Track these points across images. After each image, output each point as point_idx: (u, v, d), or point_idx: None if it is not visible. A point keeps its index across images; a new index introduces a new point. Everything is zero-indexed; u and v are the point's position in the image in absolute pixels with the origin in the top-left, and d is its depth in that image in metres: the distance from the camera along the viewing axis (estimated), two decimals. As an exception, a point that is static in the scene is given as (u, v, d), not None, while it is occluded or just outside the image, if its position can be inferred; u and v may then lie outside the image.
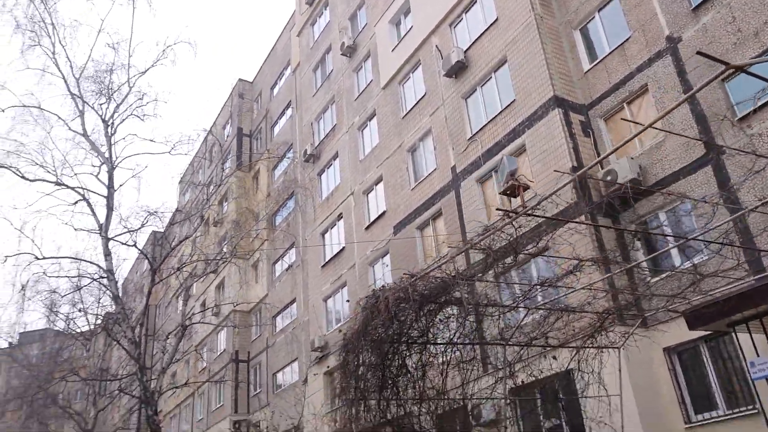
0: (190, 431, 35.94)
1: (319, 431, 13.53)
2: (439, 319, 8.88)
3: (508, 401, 9.64)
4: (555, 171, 10.92)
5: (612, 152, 10.79)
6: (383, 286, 8.25)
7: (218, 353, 33.72)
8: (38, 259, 18.13)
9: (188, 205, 28.11)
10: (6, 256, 17.72)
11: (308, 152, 28.05)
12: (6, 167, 18.07)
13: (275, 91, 35.95)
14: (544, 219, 6.09)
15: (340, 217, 25.32)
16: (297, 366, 27.48)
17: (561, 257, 7.66)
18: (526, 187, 6.73)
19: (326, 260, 25.60)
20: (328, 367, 23.23)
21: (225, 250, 24.29)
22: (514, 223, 6.34)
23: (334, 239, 25.53)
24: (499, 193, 7.13)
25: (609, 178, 13.86)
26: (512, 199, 7.17)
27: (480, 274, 7.63)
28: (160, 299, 42.29)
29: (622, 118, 14.28)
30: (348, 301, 20.63)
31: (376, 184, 23.27)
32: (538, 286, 8.20)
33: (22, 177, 18.29)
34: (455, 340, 9.02)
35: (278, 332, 29.86)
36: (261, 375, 30.72)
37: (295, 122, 31.29)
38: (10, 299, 28.94)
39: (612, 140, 15.12)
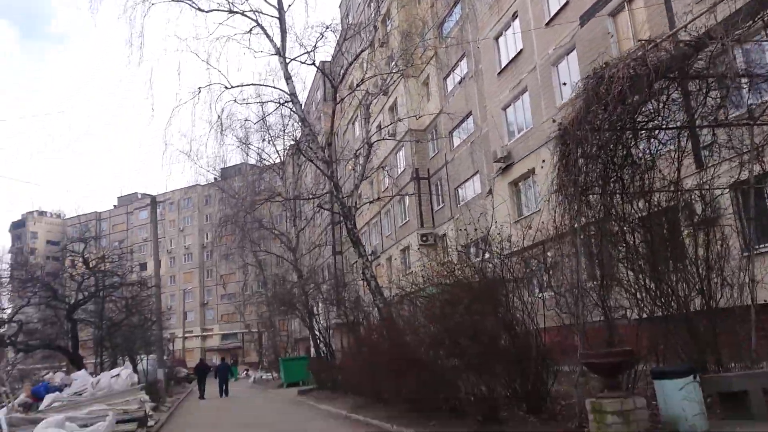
0: (381, 245, 38.46)
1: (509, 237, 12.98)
2: (673, 99, 7.51)
3: (753, 189, 8.26)
4: None
5: None
6: (606, 63, 6.98)
7: (400, 171, 34.57)
8: (227, 88, 18.85)
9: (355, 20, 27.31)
10: (199, 88, 18.57)
11: (473, -53, 25.31)
12: (181, 0, 18.36)
13: None
14: None
15: (514, 16, 23.06)
16: (478, 179, 27.27)
17: None
18: None
19: (502, 66, 23.94)
20: (515, 177, 22.64)
21: (397, 64, 23.49)
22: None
23: (509, 42, 23.57)
24: None
25: None
26: None
27: (744, 27, 6.03)
28: (337, 127, 43.72)
29: None
30: (564, 84, 19.13)
31: (556, -30, 20.49)
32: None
33: (198, 9, 18.54)
34: (691, 123, 7.67)
35: (456, 147, 29.53)
36: (443, 190, 31.13)
37: None
38: (210, 130, 30.96)
39: None
